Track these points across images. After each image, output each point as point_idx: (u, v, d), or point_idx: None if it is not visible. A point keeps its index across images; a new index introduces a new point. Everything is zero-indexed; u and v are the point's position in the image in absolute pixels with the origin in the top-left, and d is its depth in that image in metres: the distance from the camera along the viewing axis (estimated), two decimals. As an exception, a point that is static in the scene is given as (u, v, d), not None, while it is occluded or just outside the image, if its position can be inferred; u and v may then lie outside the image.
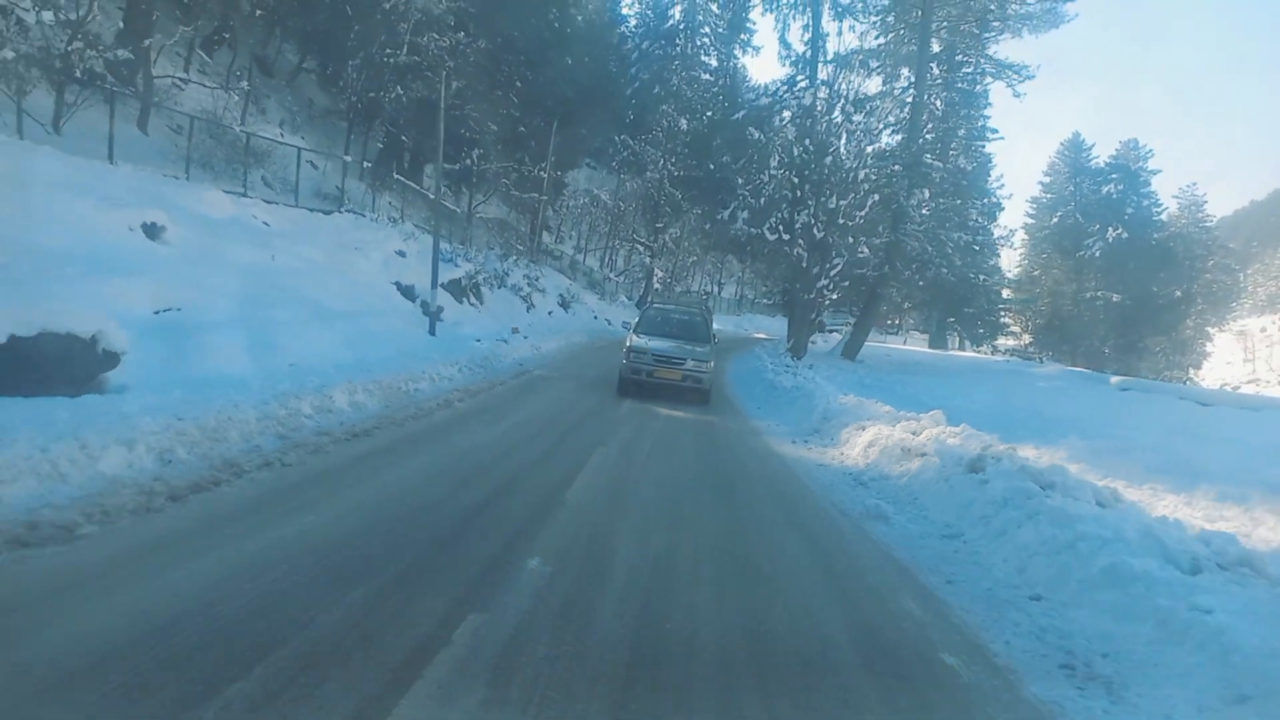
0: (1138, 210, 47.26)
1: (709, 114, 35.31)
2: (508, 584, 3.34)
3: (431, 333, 14.13)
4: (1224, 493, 5.59)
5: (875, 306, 21.16)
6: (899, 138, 21.78)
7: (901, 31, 22.72)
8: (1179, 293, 48.30)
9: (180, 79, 15.26)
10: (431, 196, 18.70)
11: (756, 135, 16.94)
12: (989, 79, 30.74)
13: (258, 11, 18.31)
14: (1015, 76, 28.64)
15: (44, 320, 6.27)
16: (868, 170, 16.81)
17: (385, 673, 2.43)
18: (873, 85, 22.70)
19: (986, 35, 27.70)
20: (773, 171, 16.57)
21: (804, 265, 16.93)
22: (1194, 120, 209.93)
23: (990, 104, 32.25)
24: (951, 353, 32.55)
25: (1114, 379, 20.36)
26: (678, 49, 45.00)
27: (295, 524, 3.81)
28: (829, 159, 16.75)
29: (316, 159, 19.54)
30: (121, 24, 14.19)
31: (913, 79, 22.76)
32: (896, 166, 17.78)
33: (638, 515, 4.89)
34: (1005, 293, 66.84)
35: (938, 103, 31.40)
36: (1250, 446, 8.64)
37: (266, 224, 13.94)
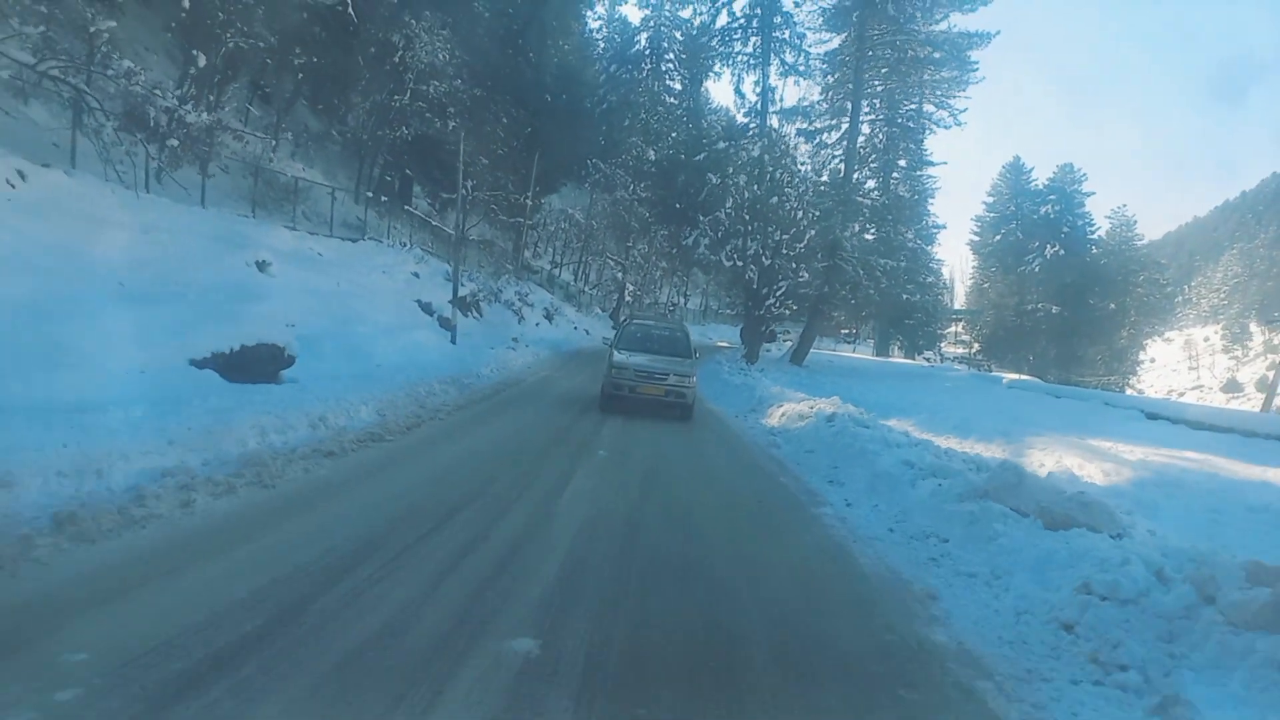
0: (1073, 229, 53.31)
1: (674, 135, 39.89)
2: (592, 455, 7.65)
3: (453, 342, 18.27)
4: (979, 438, 10.13)
5: (817, 320, 25.93)
6: (839, 175, 26.65)
7: (837, 92, 27.69)
8: (1113, 305, 54.30)
9: (238, 130, 19.16)
10: (449, 231, 22.80)
11: (715, 180, 21.56)
12: (930, 109, 36.00)
13: (291, 60, 22.20)
14: (948, 113, 33.99)
15: (261, 335, 10.45)
16: (806, 209, 21.46)
17: (554, 480, 6.71)
18: (808, 145, 27.62)
19: (921, 76, 33.03)
20: (728, 210, 21.21)
21: (755, 286, 21.60)
22: (1140, 141, 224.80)
23: (933, 131, 37.45)
24: (891, 359, 37.61)
25: (1006, 379, 25.46)
26: (645, 72, 49.69)
27: (465, 442, 8.05)
28: (774, 199, 21.38)
29: (338, 192, 23.57)
30: (190, 87, 18.12)
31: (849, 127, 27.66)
32: (829, 204, 22.49)
33: (647, 438, 9.22)
34: (959, 304, 72.85)
35: (880, 136, 36.55)
36: (1025, 419, 13.28)
37: (320, 254, 17.99)
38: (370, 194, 22.68)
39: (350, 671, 2.77)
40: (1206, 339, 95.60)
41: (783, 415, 11.74)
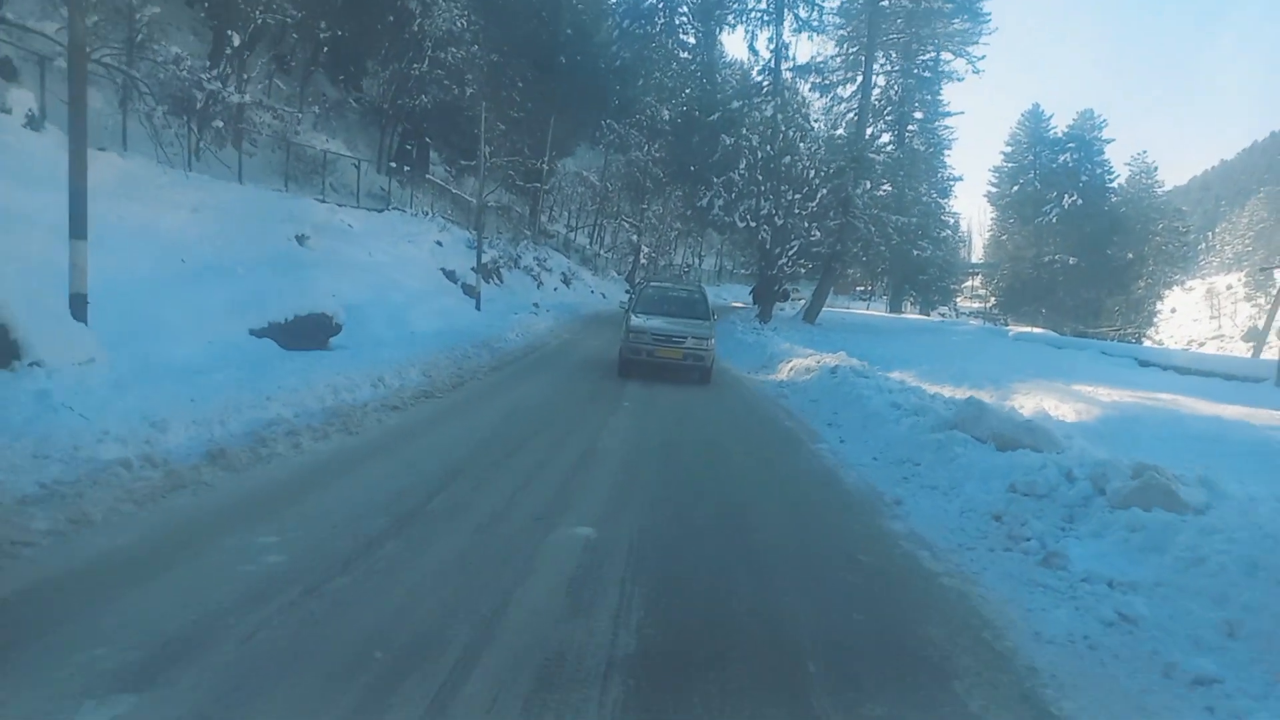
0: (1092, 178, 53.30)
1: (688, 91, 40.29)
2: (620, 406, 8.81)
3: (478, 308, 19.43)
4: (971, 385, 11.17)
5: (829, 279, 26.83)
6: (852, 130, 27.26)
7: (851, 45, 28.16)
8: (1131, 255, 54.51)
9: (275, 107, 20.11)
10: (468, 198, 23.77)
11: (729, 141, 22.35)
12: (947, 58, 36.17)
13: (315, 32, 22.95)
14: (966, 61, 34.24)
15: (310, 305, 11.62)
16: (819, 167, 22.23)
17: (595, 423, 7.88)
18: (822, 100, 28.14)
19: (934, 28, 33.28)
20: (741, 171, 22.05)
21: (768, 247, 22.52)
22: (1166, 83, 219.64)
23: (950, 81, 37.64)
24: (904, 315, 38.42)
25: (1012, 332, 26.45)
26: (658, 27, 49.70)
27: (508, 397, 9.21)
28: (787, 159, 22.16)
29: (361, 163, 24.57)
30: (225, 66, 19.06)
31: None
32: (842, 163, 23.22)
33: (668, 390, 10.36)
34: (977, 258, 72.89)
35: (895, 89, 36.87)
36: (1021, 368, 14.28)
37: (350, 225, 19.11)
38: (394, 164, 23.64)
39: (469, 546, 3.95)
40: (1229, 287, 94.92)
41: (791, 370, 12.83)
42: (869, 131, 31.86)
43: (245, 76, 18.52)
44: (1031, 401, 9.90)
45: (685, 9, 50.79)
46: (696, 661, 2.85)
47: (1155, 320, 66.94)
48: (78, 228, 7.20)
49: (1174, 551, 3.65)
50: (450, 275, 21.08)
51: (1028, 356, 17.27)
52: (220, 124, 14.81)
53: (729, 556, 4.06)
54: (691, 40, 50.78)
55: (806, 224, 22.56)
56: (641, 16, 50.63)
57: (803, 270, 25.74)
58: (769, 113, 22.91)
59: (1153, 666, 2.98)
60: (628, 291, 22.34)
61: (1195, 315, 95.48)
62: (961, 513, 4.94)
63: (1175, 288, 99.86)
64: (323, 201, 19.52)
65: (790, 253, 22.39)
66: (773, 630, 3.19)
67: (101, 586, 3.12)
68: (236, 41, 17.10)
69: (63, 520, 3.69)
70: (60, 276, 6.90)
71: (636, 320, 12.03)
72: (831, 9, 27.80)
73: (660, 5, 50.83)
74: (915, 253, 28.03)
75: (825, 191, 22.04)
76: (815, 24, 26.83)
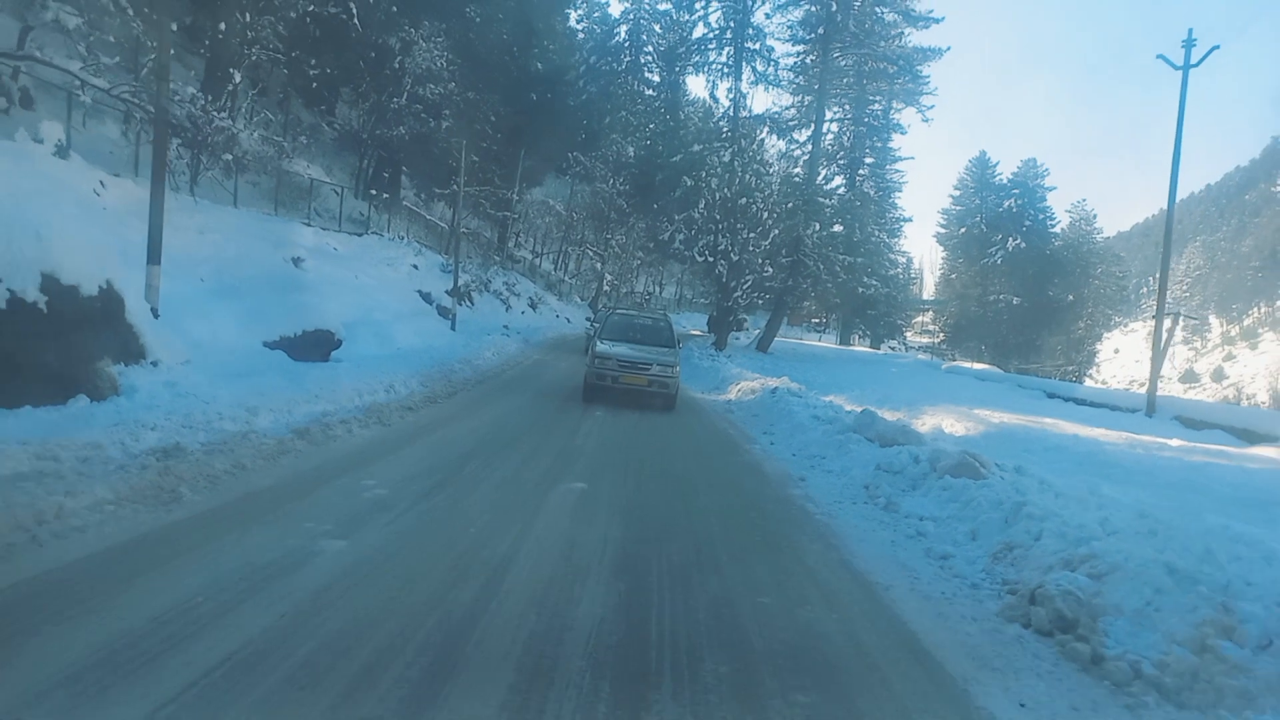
0: (1035, 223, 57.29)
1: (651, 126, 42.88)
2: (593, 413, 10.83)
3: (453, 329, 21.30)
4: (890, 407, 13.44)
5: (781, 311, 29.32)
6: (804, 174, 29.95)
7: (806, 94, 31.03)
8: (1071, 297, 58.56)
9: (274, 139, 21.80)
10: (440, 224, 25.65)
11: (689, 183, 24.75)
12: (898, 106, 39.36)
13: (300, 66, 24.82)
14: (916, 110, 37.38)
15: (316, 322, 13.47)
16: (772, 209, 24.73)
17: (572, 424, 9.89)
18: (780, 142, 30.94)
19: (879, 85, 36.48)
20: (701, 210, 24.43)
21: (724, 280, 24.89)
22: (1113, 137, 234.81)
23: (900, 131, 40.99)
24: (852, 348, 41.22)
25: (945, 365, 29.34)
26: (624, 64, 52.51)
27: (498, 404, 11.18)
28: (744, 200, 24.61)
29: (341, 188, 26.35)
30: (225, 100, 20.81)
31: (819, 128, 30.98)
32: (791, 205, 25.77)
33: (633, 405, 12.40)
34: (929, 294, 76.68)
35: (847, 136, 39.98)
36: (938, 395, 16.69)
37: (336, 249, 20.90)
38: (373, 192, 25.46)
39: (500, 492, 5.93)
40: (1168, 330, 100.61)
41: (739, 391, 15.01)
42: (821, 175, 34.61)
43: (239, 108, 20.31)
44: (933, 420, 12.20)
45: (650, 50, 53.84)
46: (651, 546, 4.90)
47: (1096, 360, 71.02)
48: (154, 255, 9.04)
49: (960, 500, 5.82)
50: (426, 297, 22.94)
51: (950, 386, 19.79)
52: (229, 157, 16.56)
53: (674, 508, 6.12)
54: (656, 78, 53.71)
55: (760, 260, 25.00)
56: (608, 54, 53.50)
57: (758, 302, 28.16)
58: (727, 159, 25.37)
59: (921, 551, 5.14)
60: (589, 319, 24.24)
61: (1138, 356, 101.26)
62: (843, 485, 7.08)
63: (1118, 329, 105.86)
64: (309, 225, 21.26)
65: (745, 286, 24.80)
66: (698, 538, 5.25)
67: (282, 499, 5.05)
68: (237, 79, 18.91)
69: (231, 465, 5.60)
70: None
71: (603, 346, 12.43)
72: (787, 66, 30.66)
73: (627, 44, 53.81)
74: (861, 290, 30.73)
75: (778, 231, 24.53)
76: (771, 78, 29.62)
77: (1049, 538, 4.72)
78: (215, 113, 16.10)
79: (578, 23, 46.73)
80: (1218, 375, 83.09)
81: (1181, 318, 43.27)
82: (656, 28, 54.15)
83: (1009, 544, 4.88)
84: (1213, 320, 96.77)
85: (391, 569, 4.02)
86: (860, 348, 43.26)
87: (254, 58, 20.60)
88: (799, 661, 3.41)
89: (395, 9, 26.49)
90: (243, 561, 3.89)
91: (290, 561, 3.96)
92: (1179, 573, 3.85)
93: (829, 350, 32.73)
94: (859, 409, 10.61)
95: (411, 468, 6.40)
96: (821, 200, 27.54)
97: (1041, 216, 58.04)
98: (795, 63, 30.24)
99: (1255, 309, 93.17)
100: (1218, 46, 20.36)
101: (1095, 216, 62.57)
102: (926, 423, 11.85)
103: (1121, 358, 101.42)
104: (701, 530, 5.40)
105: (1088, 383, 57.06)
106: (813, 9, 28.12)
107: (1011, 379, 25.53)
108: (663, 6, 52.76)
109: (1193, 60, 20.29)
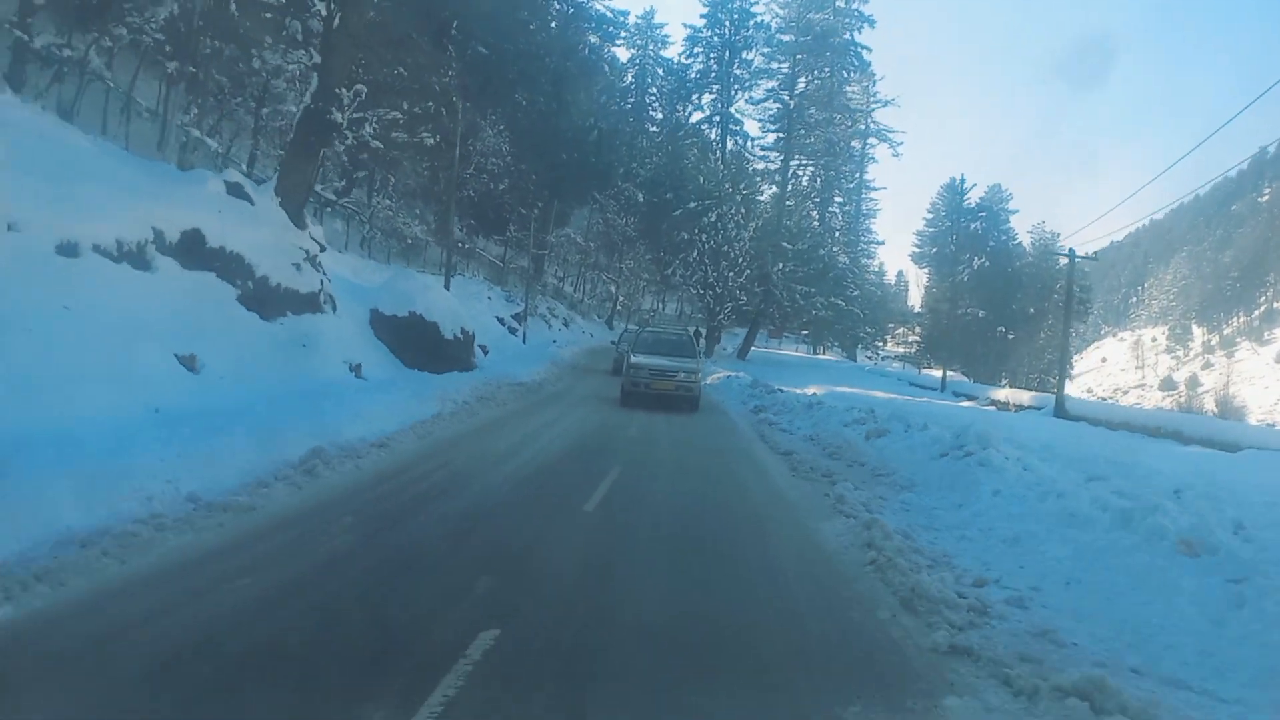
0: (998, 243, 70.16)
1: (655, 159, 55.47)
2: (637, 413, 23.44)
3: (524, 342, 33.83)
4: (801, 386, 26.04)
5: (755, 328, 42.01)
6: (773, 223, 42.77)
7: (778, 155, 44.02)
8: (1033, 310, 71.35)
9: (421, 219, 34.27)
10: (497, 262, 38.30)
11: (685, 237, 37.47)
12: (874, 142, 52.44)
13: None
14: (889, 144, 50.36)
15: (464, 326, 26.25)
16: (744, 254, 37.48)
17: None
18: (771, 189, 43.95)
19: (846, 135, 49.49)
20: (693, 256, 37.18)
21: (711, 306, 37.60)
22: (1107, 151, 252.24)
23: (876, 160, 54.17)
24: (818, 357, 54.04)
25: (869, 366, 42.50)
26: (630, 105, 65.50)
27: (589, 380, 23.73)
28: (725, 248, 37.40)
29: (431, 240, 38.87)
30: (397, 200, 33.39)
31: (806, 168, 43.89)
32: (760, 248, 38.51)
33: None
34: (916, 306, 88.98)
35: (819, 179, 52.89)
36: (847, 383, 29.15)
37: (450, 292, 33.47)
38: (460, 244, 38.20)
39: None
40: (1154, 339, 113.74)
41: (714, 379, 27.58)
42: (795, 212, 47.34)
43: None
44: (813, 388, 24.69)
45: (655, 90, 66.90)
46: (669, 424, 17.40)
47: (1071, 369, 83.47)
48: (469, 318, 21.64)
49: (781, 405, 18.36)
50: (500, 320, 35.56)
51: (849, 378, 32.38)
52: (410, 241, 29.27)
53: (676, 406, 18.59)
54: (659, 115, 66.77)
55: (737, 291, 37.75)
56: (617, 94, 66.58)
57: (737, 321, 40.89)
58: (713, 218, 38.17)
59: (761, 419, 17.73)
60: (614, 342, 36.44)
61: (1123, 365, 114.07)
62: (739, 407, 19.63)
63: (1109, 337, 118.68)
64: (422, 272, 33.88)
65: (726, 310, 37.52)
66: (685, 423, 17.69)
67: (544, 400, 17.64)
68: (392, 181, 31.59)
69: (523, 388, 18.20)
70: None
71: (636, 358, 17.81)
72: (764, 144, 43.81)
73: (633, 86, 66.78)
74: (815, 313, 43.54)
75: (749, 271, 37.28)
76: (749, 150, 42.41)
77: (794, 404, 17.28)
78: (408, 218, 28.73)
79: (599, 94, 59.85)
80: (1193, 384, 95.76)
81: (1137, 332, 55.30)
82: (659, 70, 67.42)
83: (774, 406, 17.46)
84: (1195, 329, 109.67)
85: (578, 433, 16.53)
86: (828, 357, 56.03)
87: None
88: (721, 452, 15.80)
89: (469, 105, 39.24)
90: (542, 418, 16.39)
91: (551, 418, 16.48)
92: (809, 399, 16.38)
93: (794, 358, 45.50)
94: (791, 389, 23.11)
95: (583, 391, 18.87)
96: (786, 245, 40.28)
97: (1004, 238, 70.89)
98: (771, 141, 43.31)
99: (1234, 319, 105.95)
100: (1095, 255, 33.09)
101: (1058, 236, 75.43)
102: (807, 390, 24.40)
103: (1109, 366, 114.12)
104: (685, 419, 17.83)
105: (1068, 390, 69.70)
106: (776, 106, 41.08)
107: (907, 376, 38.31)
108: (666, 53, 66.20)
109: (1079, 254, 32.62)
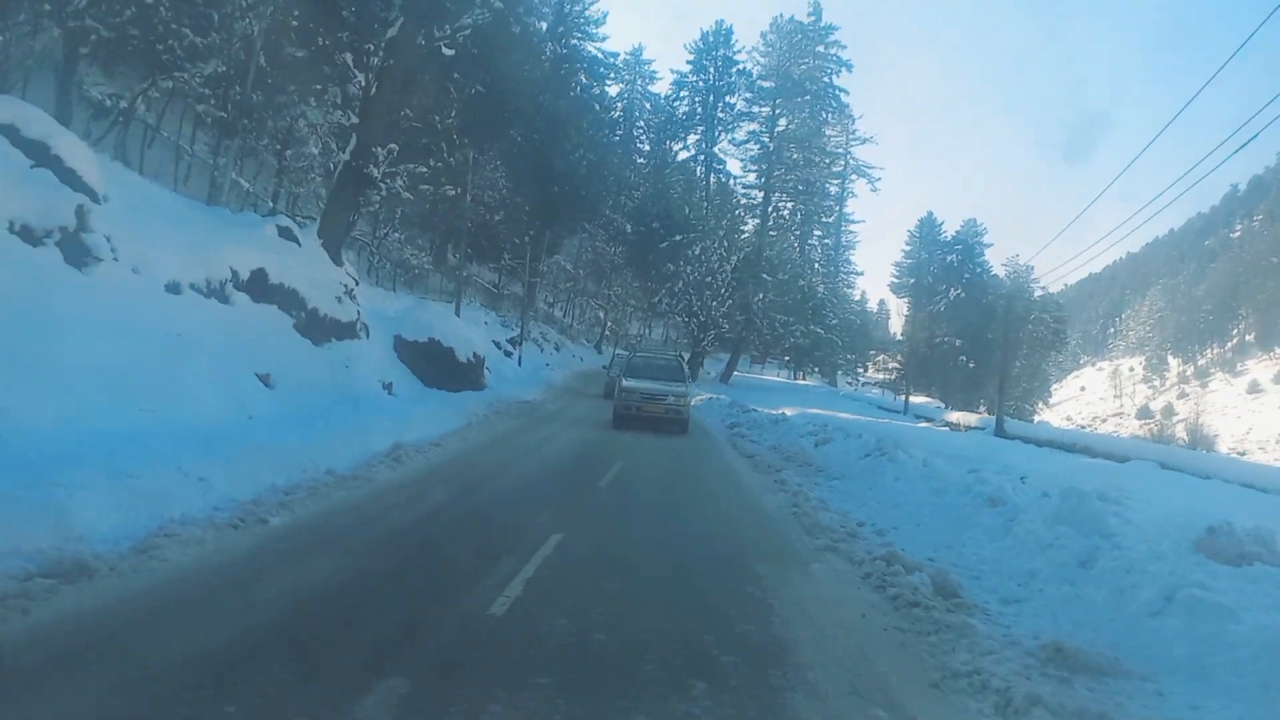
0: (973, 275, 74.05)
1: (643, 189, 58.86)
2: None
3: (519, 365, 36.88)
4: (775, 407, 29.23)
5: (737, 353, 45.28)
6: (754, 256, 46.19)
7: (759, 192, 47.59)
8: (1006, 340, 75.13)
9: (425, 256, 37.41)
10: (492, 289, 41.47)
11: (671, 269, 40.77)
12: (852, 178, 56.22)
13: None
14: (868, 179, 54.07)
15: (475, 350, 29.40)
16: (726, 285, 40.81)
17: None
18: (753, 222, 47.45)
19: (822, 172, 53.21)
20: (678, 287, 40.47)
21: (695, 334, 40.84)
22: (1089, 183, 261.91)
23: (856, 195, 58.15)
24: (798, 381, 57.42)
25: (843, 390, 45.72)
26: (618, 137, 69.03)
27: (581, 403, 26.83)
28: (708, 279, 40.73)
29: (428, 266, 41.95)
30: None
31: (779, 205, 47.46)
32: (744, 276, 41.85)
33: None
34: (898, 334, 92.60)
35: (799, 214, 56.49)
36: (817, 405, 32.37)
37: (455, 317, 36.53)
38: (458, 273, 41.31)
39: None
40: (1131, 369, 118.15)
41: (697, 400, 30.72)
42: (776, 243, 50.82)
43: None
44: (791, 409, 27.85)
45: (642, 123, 70.55)
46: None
47: (1049, 397, 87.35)
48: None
49: (758, 423, 21.51)
50: (497, 344, 38.62)
51: (831, 402, 35.63)
52: (416, 270, 32.35)
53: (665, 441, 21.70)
54: (647, 147, 70.38)
55: (720, 319, 41.04)
56: (605, 126, 70.11)
57: (721, 345, 44.12)
58: (697, 251, 41.53)
59: (735, 434, 20.87)
60: (605, 367, 39.53)
61: (1102, 394, 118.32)
62: (719, 425, 22.76)
63: (1089, 367, 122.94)
64: (424, 298, 36.97)
65: (709, 337, 40.77)
66: (673, 437, 20.80)
67: (544, 418, 20.71)
68: (398, 214, 34.79)
69: (528, 405, 21.29)
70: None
71: (628, 383, 19.37)
72: (745, 183, 47.37)
73: (620, 119, 70.35)
74: (793, 341, 46.86)
75: (731, 302, 40.60)
76: (730, 188, 45.98)
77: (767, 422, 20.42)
78: (419, 254, 31.83)
79: (588, 128, 63.41)
80: (1168, 412, 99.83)
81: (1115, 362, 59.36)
82: (647, 105, 71.07)
83: (747, 422, 20.61)
84: (1171, 360, 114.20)
85: (582, 440, 19.60)
86: (808, 382, 59.43)
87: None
88: (698, 454, 18.88)
89: (467, 140, 42.55)
90: (541, 433, 19.45)
91: (556, 430, 19.55)
92: (781, 418, 19.53)
93: (774, 382, 48.81)
94: (763, 409, 26.23)
95: (578, 411, 21.95)
96: (766, 277, 43.69)
97: (979, 270, 74.84)
98: (752, 179, 46.95)
99: (1209, 350, 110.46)
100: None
101: (1032, 268, 79.53)
102: (778, 410, 27.56)
103: (1087, 395, 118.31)
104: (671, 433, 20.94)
105: (1036, 418, 73.59)
106: (757, 147, 44.79)
107: (876, 400, 41.67)
108: (654, 88, 69.95)
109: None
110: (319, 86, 19.53)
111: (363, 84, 19.45)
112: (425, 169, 22.46)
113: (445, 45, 19.27)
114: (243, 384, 13.57)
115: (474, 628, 4.65)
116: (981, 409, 65.47)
